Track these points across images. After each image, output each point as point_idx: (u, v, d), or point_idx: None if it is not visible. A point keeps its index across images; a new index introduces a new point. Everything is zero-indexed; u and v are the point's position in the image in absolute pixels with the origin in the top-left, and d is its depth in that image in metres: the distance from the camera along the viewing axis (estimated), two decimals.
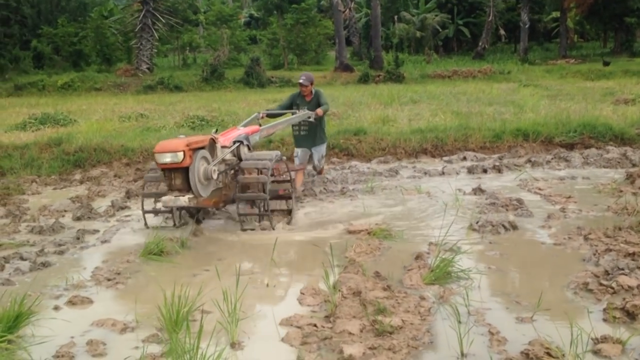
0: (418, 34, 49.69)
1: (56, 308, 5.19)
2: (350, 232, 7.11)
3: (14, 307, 4.56)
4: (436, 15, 50.30)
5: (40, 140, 12.76)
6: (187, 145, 6.23)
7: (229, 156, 7.27)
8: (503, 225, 6.99)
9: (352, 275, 5.46)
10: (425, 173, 10.58)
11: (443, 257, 5.61)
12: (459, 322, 4.37)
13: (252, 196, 7.42)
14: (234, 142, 7.40)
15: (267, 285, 5.55)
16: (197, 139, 6.62)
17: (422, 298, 5.04)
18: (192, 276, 5.89)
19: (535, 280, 5.54)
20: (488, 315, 4.70)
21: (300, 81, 9.36)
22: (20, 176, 11.00)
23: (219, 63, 38.59)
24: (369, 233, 6.98)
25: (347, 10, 47.11)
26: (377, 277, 5.51)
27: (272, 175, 7.59)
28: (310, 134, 9.45)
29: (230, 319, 4.47)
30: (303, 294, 5.27)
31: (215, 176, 6.61)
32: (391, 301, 4.96)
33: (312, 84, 9.34)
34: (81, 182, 10.78)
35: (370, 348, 4.16)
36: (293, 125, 9.45)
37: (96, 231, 7.65)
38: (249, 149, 7.57)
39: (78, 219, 8.21)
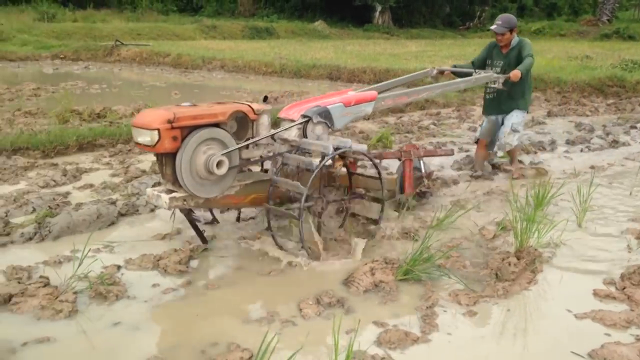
0: None
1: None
2: None
3: None
4: None
5: None
6: (170, 122, 2.93)
7: (294, 136, 3.51)
8: None
9: None
10: None
11: None
12: None
13: (280, 211, 3.46)
14: (303, 117, 3.56)
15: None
16: (198, 112, 3.08)
17: None
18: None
19: None
20: None
21: (493, 27, 5.07)
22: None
23: None
24: None
25: None
26: None
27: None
28: (498, 97, 5.23)
29: (581, 207, 4.26)
30: None
31: (220, 170, 3.12)
32: None
33: (512, 31, 5.03)
34: None
35: None
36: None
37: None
38: (328, 126, 3.63)
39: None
